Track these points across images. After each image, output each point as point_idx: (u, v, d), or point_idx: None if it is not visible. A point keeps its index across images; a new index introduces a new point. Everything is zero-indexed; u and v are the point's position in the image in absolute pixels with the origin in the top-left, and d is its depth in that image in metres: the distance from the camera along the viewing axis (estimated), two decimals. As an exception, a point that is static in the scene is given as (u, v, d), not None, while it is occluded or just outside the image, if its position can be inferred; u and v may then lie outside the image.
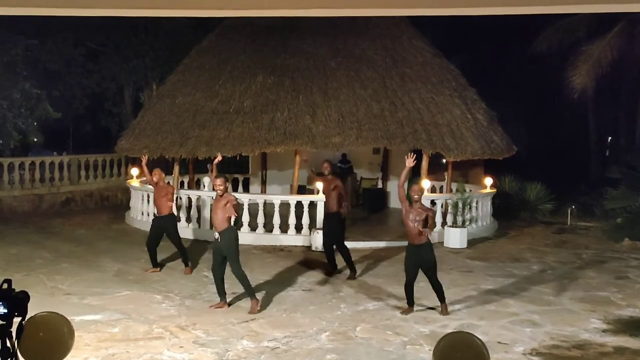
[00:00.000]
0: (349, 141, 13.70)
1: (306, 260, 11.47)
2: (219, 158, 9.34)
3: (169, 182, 13.13)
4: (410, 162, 8.18)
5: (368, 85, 14.39)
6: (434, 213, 8.77)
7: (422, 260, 8.30)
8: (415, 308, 8.55)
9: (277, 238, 12.88)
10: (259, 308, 8.35)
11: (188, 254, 10.75)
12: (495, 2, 3.07)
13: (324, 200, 10.55)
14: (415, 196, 8.21)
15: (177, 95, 15.10)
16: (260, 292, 8.99)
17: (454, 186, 15.11)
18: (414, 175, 16.84)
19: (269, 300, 8.88)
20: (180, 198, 13.98)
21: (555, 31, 18.96)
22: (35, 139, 18.04)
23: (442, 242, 13.02)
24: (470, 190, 14.78)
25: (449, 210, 13.48)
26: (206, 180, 14.68)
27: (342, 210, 10.10)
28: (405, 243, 12.80)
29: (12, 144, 17.19)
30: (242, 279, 8.41)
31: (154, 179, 10.62)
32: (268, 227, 13.04)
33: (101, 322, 7.84)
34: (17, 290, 2.46)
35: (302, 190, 14.87)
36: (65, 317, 2.46)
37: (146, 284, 9.74)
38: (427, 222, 8.19)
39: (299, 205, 13.11)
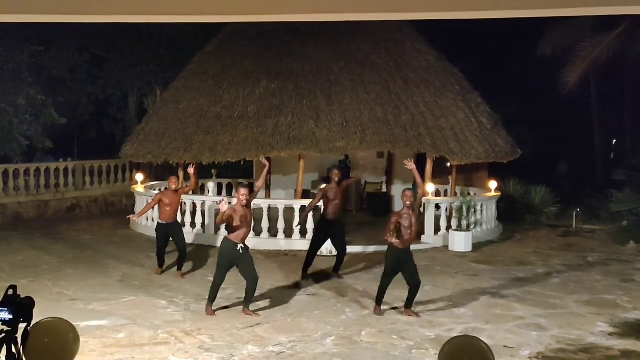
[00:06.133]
0: (353, 145, 13.71)
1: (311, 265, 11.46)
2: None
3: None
4: (411, 164, 8.50)
5: (372, 89, 14.39)
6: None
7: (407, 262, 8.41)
8: (420, 312, 8.55)
9: (281, 243, 12.87)
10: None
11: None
12: (498, 6, 3.06)
13: (327, 206, 10.53)
14: (408, 202, 8.22)
15: (181, 101, 15.13)
16: (265, 297, 8.97)
17: (458, 190, 15.08)
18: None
19: (274, 305, 8.87)
20: (185, 203, 13.98)
21: (560, 34, 18.90)
22: (41, 145, 18.05)
23: (447, 246, 13.03)
24: (475, 194, 14.75)
25: (454, 214, 13.45)
26: (210, 185, 14.67)
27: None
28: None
29: (19, 150, 17.22)
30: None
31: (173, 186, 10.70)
32: (272, 232, 13.04)
33: (106, 327, 7.85)
34: (22, 296, 2.47)
35: (306, 194, 14.86)
36: (71, 323, 2.46)
37: (151, 289, 9.75)
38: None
39: (303, 209, 13.09)
